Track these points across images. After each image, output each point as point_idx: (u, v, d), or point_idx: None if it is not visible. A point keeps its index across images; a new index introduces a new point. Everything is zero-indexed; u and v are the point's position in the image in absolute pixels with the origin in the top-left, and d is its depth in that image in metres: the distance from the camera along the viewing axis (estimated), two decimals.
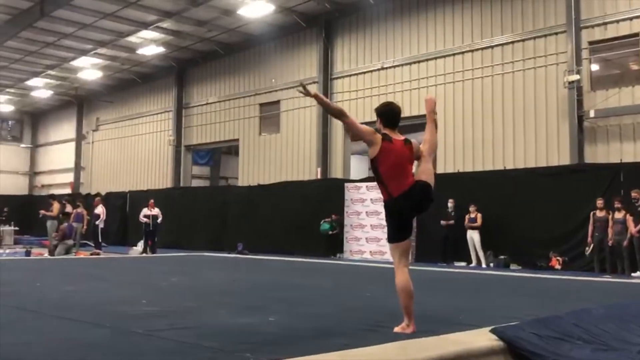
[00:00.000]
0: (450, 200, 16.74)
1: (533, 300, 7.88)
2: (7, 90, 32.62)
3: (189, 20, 22.52)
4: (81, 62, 27.52)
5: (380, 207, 17.92)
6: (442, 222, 16.74)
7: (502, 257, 15.76)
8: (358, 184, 19.29)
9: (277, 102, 24.00)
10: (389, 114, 5.30)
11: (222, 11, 21.56)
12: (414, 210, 5.20)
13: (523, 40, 17.45)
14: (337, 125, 21.62)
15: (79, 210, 20.01)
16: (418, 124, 20.55)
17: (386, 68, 20.46)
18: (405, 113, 19.55)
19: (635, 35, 15.57)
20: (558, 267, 14.73)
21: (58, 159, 36.56)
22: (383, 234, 18.13)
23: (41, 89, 32.24)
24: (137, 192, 27.84)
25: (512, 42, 17.68)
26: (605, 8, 15.99)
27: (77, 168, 34.76)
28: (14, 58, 26.88)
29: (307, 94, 5.06)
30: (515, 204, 15.92)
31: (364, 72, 21.12)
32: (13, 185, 36.77)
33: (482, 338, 4.49)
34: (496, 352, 4.32)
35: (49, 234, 19.38)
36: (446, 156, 18.67)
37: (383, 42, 20.68)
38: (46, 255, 18.34)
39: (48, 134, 38.21)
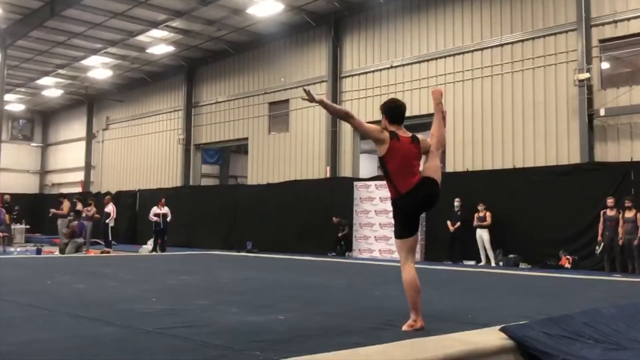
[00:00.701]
0: (457, 199, 16.72)
1: (543, 300, 7.86)
2: (18, 89, 32.77)
3: (198, 19, 22.56)
4: (91, 61, 27.63)
5: (389, 206, 17.97)
6: (449, 225, 16.72)
7: (511, 256, 15.72)
8: (367, 183, 19.29)
9: (287, 101, 24.01)
10: (393, 111, 5.30)
11: (231, 10, 21.60)
12: (421, 207, 5.27)
13: (533, 39, 17.38)
14: (346, 124, 21.52)
15: (89, 208, 20.10)
16: (428, 123, 20.70)
17: (395, 67, 20.43)
18: (415, 112, 19.65)
19: None
20: (568, 266, 14.68)
21: (68, 158, 36.73)
22: (392, 232, 18.00)
23: (52, 88, 32.38)
24: (147, 191, 27.94)
25: (522, 41, 17.61)
26: (616, 6, 15.90)
27: (88, 167, 34.92)
28: (24, 57, 27.02)
29: (311, 100, 5.05)
30: (525, 202, 15.87)
31: (373, 71, 21.10)
32: (24, 184, 36.96)
33: (492, 337, 4.49)
34: (506, 351, 4.31)
35: (59, 233, 19.49)
36: (455, 155, 18.64)
37: (392, 40, 20.64)
38: (57, 253, 18.44)
39: (58, 133, 38.38)
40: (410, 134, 5.26)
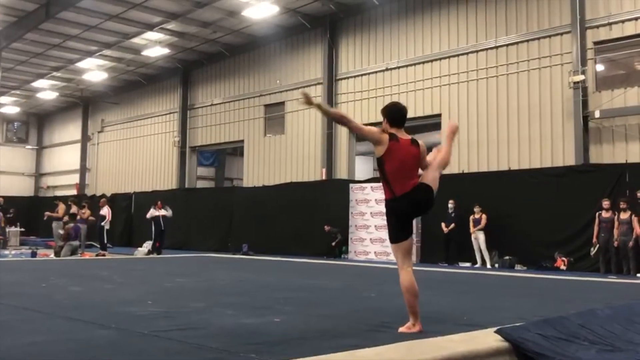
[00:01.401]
0: (451, 201, 16.75)
1: (538, 301, 7.87)
2: (13, 92, 32.69)
3: (193, 21, 22.56)
4: (86, 63, 27.59)
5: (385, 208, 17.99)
6: (443, 226, 16.76)
7: (507, 257, 15.75)
8: (363, 185, 19.30)
9: (282, 103, 24.02)
10: (395, 113, 5.30)
11: (226, 12, 21.61)
12: (414, 211, 5.23)
13: (528, 41, 17.44)
14: (342, 126, 21.59)
15: (84, 211, 20.04)
16: (423, 125, 20.77)
17: (391, 69, 20.46)
18: (410, 114, 19.59)
19: None
20: (563, 267, 14.72)
21: (63, 161, 36.66)
22: (388, 234, 18.15)
23: (47, 90, 32.32)
24: (142, 194, 27.92)
25: (517, 43, 17.66)
26: (610, 8, 15.97)
27: (83, 169, 34.85)
28: (19, 60, 26.96)
29: (309, 103, 5.04)
30: (520, 204, 15.90)
31: (369, 73, 21.13)
32: (19, 186, 36.88)
33: (488, 339, 4.49)
34: (501, 353, 4.31)
35: (54, 235, 19.43)
36: (451, 157, 18.64)
37: (388, 42, 20.68)
38: (52, 256, 18.39)
39: (53, 135, 38.31)
40: (410, 137, 5.26)
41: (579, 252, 14.91)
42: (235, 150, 29.48)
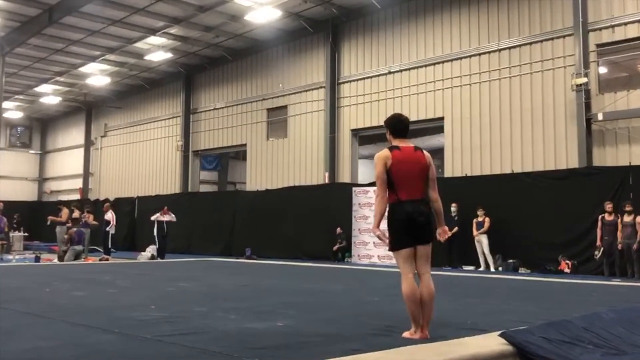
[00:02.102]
0: (454, 205, 16.71)
1: (542, 305, 7.84)
2: (16, 96, 32.79)
3: (196, 26, 22.61)
4: (89, 68, 27.67)
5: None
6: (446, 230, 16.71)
7: (510, 260, 15.71)
8: (366, 188, 19.28)
9: (285, 107, 24.03)
10: (397, 124, 5.35)
11: (229, 17, 21.64)
12: (415, 220, 5.06)
13: (530, 44, 17.43)
14: (345, 130, 21.64)
15: (86, 215, 20.06)
16: (424, 128, 20.75)
17: (393, 72, 20.46)
18: (413, 117, 19.62)
19: None
20: (567, 270, 14.67)
21: (67, 165, 36.73)
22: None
23: (50, 95, 32.39)
24: (146, 198, 27.94)
25: (520, 45, 17.65)
26: (613, 10, 15.95)
27: (86, 174, 34.90)
28: (22, 65, 27.03)
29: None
30: (524, 207, 15.87)
31: (371, 77, 21.13)
32: (22, 191, 36.94)
33: (492, 342, 4.48)
34: (506, 357, 4.30)
35: (58, 240, 19.44)
36: (454, 160, 18.66)
37: (390, 46, 20.68)
38: (55, 261, 18.39)
39: (57, 140, 38.38)
40: (413, 145, 5.27)
41: (583, 255, 14.86)
42: (238, 154, 29.50)
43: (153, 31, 22.97)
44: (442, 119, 19.20)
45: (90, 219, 19.78)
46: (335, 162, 21.73)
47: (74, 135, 36.42)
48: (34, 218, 30.51)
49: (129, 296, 8.35)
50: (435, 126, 20.02)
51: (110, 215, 20.11)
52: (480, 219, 16.31)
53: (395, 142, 5.24)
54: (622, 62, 16.59)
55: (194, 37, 23.83)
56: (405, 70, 20.17)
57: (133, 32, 23.11)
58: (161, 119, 30.14)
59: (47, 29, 22.52)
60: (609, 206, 14.11)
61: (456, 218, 16.75)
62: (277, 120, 24.54)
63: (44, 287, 9.47)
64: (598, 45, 16.27)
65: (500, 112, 17.82)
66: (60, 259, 18.24)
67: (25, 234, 26.30)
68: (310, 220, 20.44)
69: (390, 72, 20.55)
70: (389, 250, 5.24)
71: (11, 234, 24.23)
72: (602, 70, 16.51)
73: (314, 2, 20.40)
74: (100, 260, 18.38)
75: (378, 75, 20.92)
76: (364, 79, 21.37)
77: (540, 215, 15.55)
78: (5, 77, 25.12)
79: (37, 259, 18.63)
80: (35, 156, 39.09)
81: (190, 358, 4.26)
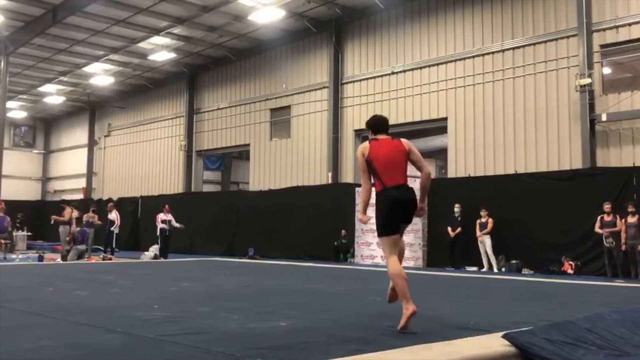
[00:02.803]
0: (457, 205, 16.71)
1: (545, 305, 7.83)
2: (20, 96, 32.88)
3: (200, 26, 22.64)
4: (93, 68, 27.74)
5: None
6: (450, 230, 16.72)
7: (514, 261, 15.69)
8: None
9: (288, 107, 24.05)
10: (376, 122, 5.75)
11: (233, 17, 21.67)
12: (401, 205, 5.36)
13: (534, 44, 17.41)
14: (348, 130, 21.64)
15: (91, 214, 20.10)
16: (427, 129, 20.73)
17: (396, 73, 20.45)
18: (417, 117, 19.70)
19: None
20: (570, 271, 14.65)
21: (70, 165, 36.80)
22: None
23: (54, 95, 32.47)
24: (149, 198, 27.98)
25: (523, 46, 17.63)
26: (617, 11, 15.92)
27: (89, 174, 34.99)
28: (26, 64, 27.11)
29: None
30: (527, 208, 15.85)
31: (374, 77, 21.13)
32: (26, 191, 37.03)
33: (494, 343, 4.47)
34: (508, 358, 4.29)
35: (61, 240, 19.48)
36: (457, 160, 18.65)
37: (393, 46, 20.68)
38: (59, 260, 18.43)
39: (60, 139, 38.47)
40: (390, 137, 5.59)
41: (586, 256, 14.83)
42: (241, 154, 29.52)
43: (157, 31, 23.01)
44: (445, 119, 19.19)
45: (95, 219, 19.85)
46: (338, 162, 21.74)
47: (78, 135, 36.50)
48: (38, 217, 30.62)
49: (132, 296, 8.36)
50: (438, 126, 20.01)
51: (114, 215, 20.16)
52: (483, 220, 16.29)
53: (374, 137, 5.58)
54: (626, 62, 16.56)
55: (197, 37, 23.86)
56: (409, 70, 20.16)
57: (137, 32, 23.15)
58: (164, 118, 30.18)
59: (51, 29, 22.60)
60: (607, 206, 14.09)
61: (459, 219, 16.74)
62: (281, 121, 24.55)
63: (47, 286, 9.48)
64: (602, 46, 16.24)
65: (504, 112, 17.80)
66: (64, 258, 18.28)
67: (29, 234, 26.36)
68: (313, 221, 20.44)
69: (393, 73, 20.55)
70: (378, 236, 5.51)
71: (15, 234, 24.30)
72: (606, 70, 16.49)
73: (318, 2, 20.42)
74: (103, 259, 18.41)
75: (381, 76, 20.92)
76: (367, 79, 21.37)
77: (543, 216, 15.53)
78: (9, 76, 25.19)
79: (41, 259, 18.68)
80: (39, 156, 39.18)
81: (193, 358, 4.25)
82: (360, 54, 21.78)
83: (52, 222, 20.25)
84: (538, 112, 17.09)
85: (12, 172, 34.70)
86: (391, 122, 21.86)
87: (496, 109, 17.99)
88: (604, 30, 16.17)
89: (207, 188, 29.95)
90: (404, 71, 20.27)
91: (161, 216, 20.14)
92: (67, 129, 37.78)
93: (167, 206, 20.56)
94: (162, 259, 19.43)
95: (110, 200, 25.40)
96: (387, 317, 6.29)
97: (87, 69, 27.92)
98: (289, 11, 20.86)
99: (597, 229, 14.23)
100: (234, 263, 17.92)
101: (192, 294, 8.89)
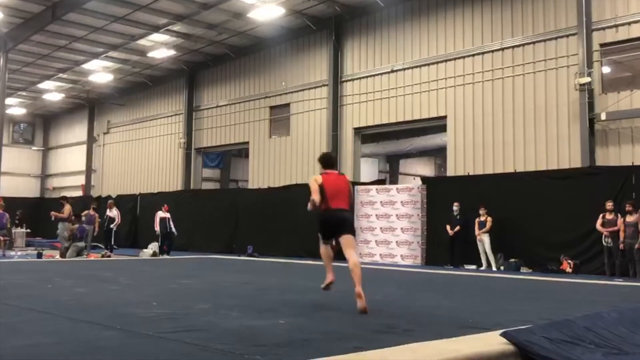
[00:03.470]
0: (456, 204, 16.72)
1: (544, 304, 7.84)
2: (19, 93, 32.81)
3: (199, 23, 22.60)
4: (92, 65, 27.68)
5: (390, 210, 17.99)
6: (448, 229, 16.73)
7: (512, 260, 15.70)
8: (368, 187, 19.28)
9: (287, 104, 24.03)
10: (326, 159, 7.65)
11: (232, 14, 21.64)
12: (331, 224, 7.11)
13: (534, 43, 17.40)
14: (347, 128, 21.63)
15: (91, 212, 20.09)
16: (426, 127, 20.73)
17: (396, 71, 20.44)
18: (416, 116, 19.65)
19: None
20: (569, 270, 14.66)
21: (69, 162, 36.77)
22: (393, 236, 18.21)
23: (53, 92, 32.42)
24: (148, 195, 27.96)
25: (523, 45, 17.63)
26: (617, 10, 15.91)
27: (88, 171, 34.95)
28: (25, 61, 27.06)
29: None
30: (526, 206, 15.85)
31: (374, 75, 21.11)
32: (25, 187, 37.01)
33: (493, 342, 4.48)
34: (507, 356, 4.30)
35: (60, 237, 19.47)
36: (456, 159, 18.65)
37: (393, 44, 20.66)
38: (57, 257, 18.43)
39: (59, 136, 38.43)
40: (337, 172, 7.46)
41: (585, 254, 14.84)
42: (241, 151, 29.48)
43: (156, 28, 22.97)
44: (444, 117, 19.18)
45: (96, 217, 19.86)
46: (337, 160, 21.70)
47: (77, 132, 36.46)
48: (37, 214, 30.59)
49: (131, 293, 8.37)
50: (438, 125, 20.01)
51: (115, 212, 20.16)
52: (482, 218, 16.30)
53: (324, 171, 7.30)
54: (626, 61, 16.55)
55: (197, 34, 23.82)
56: (408, 68, 20.15)
57: (136, 29, 23.12)
58: (164, 116, 30.16)
59: (51, 26, 22.55)
60: (609, 205, 14.10)
61: (458, 217, 16.75)
62: (280, 118, 24.54)
63: (46, 283, 9.49)
64: (601, 45, 16.24)
65: (503, 111, 17.80)
66: (63, 255, 18.27)
67: (28, 231, 26.33)
68: (313, 218, 20.37)
69: (393, 71, 20.53)
70: (319, 240, 7.35)
71: (13, 230, 24.27)
72: (606, 69, 16.49)
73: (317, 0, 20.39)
74: (102, 256, 18.40)
75: (381, 74, 20.90)
76: (366, 77, 21.35)
77: (542, 215, 15.54)
78: (8, 73, 25.12)
79: (40, 256, 18.67)
80: (38, 153, 39.14)
81: (192, 355, 4.26)
82: (359, 52, 21.76)
83: (52, 219, 20.24)
84: (537, 111, 17.09)
85: (11, 169, 34.67)
86: (390, 120, 21.98)
87: (495, 107, 17.98)
88: (603, 29, 16.16)
89: (206, 186, 29.94)
90: (404, 69, 20.26)
91: (160, 214, 20.16)
92: (66, 126, 37.74)
93: (165, 205, 20.56)
94: (164, 256, 19.44)
95: (109, 197, 25.40)
96: (386, 315, 6.30)
97: (87, 66, 27.86)
98: (289, 9, 20.83)
99: (598, 227, 14.24)
100: (233, 261, 17.93)
101: (191, 291, 8.90)
